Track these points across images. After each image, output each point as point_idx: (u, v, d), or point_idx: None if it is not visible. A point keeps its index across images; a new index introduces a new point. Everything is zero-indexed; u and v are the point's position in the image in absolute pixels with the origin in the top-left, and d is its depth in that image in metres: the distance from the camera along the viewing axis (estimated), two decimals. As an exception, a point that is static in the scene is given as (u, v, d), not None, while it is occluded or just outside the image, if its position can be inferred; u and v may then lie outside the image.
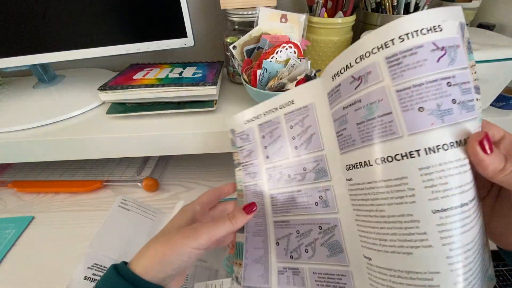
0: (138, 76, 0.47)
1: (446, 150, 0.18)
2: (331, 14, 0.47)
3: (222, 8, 0.47)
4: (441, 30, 0.19)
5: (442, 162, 0.18)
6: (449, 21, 0.19)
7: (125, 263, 0.26)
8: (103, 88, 0.43)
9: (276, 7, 0.46)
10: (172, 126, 0.42)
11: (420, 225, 0.19)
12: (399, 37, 0.19)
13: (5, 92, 0.54)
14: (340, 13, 0.47)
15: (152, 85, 0.43)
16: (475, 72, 0.20)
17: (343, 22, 0.46)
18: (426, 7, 0.49)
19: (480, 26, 0.49)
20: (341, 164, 0.25)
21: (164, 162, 0.65)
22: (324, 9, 0.46)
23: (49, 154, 0.43)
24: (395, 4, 0.49)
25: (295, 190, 0.29)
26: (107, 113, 0.44)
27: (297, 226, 0.29)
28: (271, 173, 0.31)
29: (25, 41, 0.45)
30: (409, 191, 0.19)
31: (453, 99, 0.19)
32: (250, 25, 0.45)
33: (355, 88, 0.21)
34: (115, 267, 0.26)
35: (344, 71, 0.22)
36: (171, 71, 0.49)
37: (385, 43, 0.20)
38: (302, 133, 0.29)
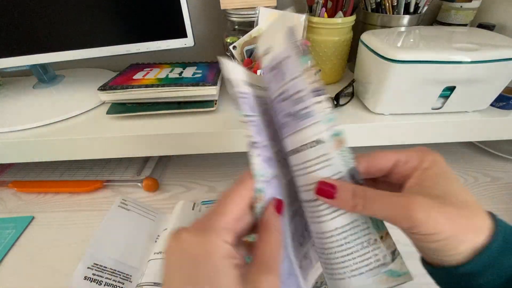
0: (138, 76, 0.47)
1: (291, 156, 0.22)
2: (331, 14, 0.47)
3: (222, 8, 0.47)
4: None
5: (292, 164, 0.22)
6: (275, 40, 0.21)
7: None
8: (103, 88, 0.43)
9: (276, 7, 0.46)
10: (172, 126, 0.42)
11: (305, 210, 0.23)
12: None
13: (5, 92, 0.54)
14: (340, 13, 0.47)
15: (152, 85, 0.43)
16: (314, 74, 0.20)
17: (343, 22, 0.46)
18: (426, 7, 0.49)
19: (480, 26, 0.49)
20: None
21: (164, 162, 0.65)
22: (324, 9, 0.46)
23: (49, 154, 0.43)
24: (395, 4, 0.49)
25: (291, 176, 0.25)
26: (107, 113, 0.44)
27: (299, 210, 0.25)
28: (279, 159, 0.25)
29: (25, 41, 0.45)
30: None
31: (287, 113, 0.21)
32: (250, 25, 0.45)
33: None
34: None
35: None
36: (171, 71, 0.49)
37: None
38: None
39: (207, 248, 0.17)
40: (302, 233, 0.26)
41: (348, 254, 0.21)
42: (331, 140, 0.20)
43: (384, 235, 0.21)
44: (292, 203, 0.25)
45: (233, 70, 0.22)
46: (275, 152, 0.24)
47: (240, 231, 0.20)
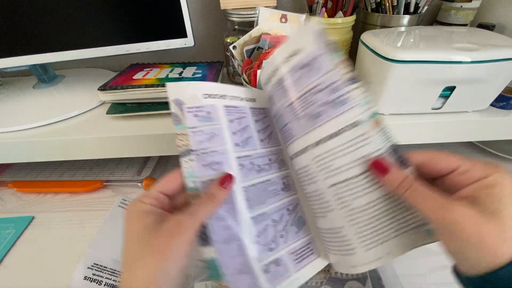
0: (138, 76, 0.47)
1: (326, 141, 0.24)
2: (331, 14, 0.47)
3: (222, 8, 0.47)
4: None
5: (326, 150, 0.25)
6: (304, 42, 0.25)
7: None
8: (103, 88, 0.43)
9: (276, 7, 0.46)
10: (172, 126, 0.42)
11: (324, 196, 0.26)
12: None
13: (5, 92, 0.54)
14: (340, 13, 0.47)
15: (152, 85, 0.43)
16: (346, 67, 0.24)
17: (343, 22, 0.46)
18: (426, 7, 0.49)
19: (480, 26, 0.49)
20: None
21: (164, 162, 0.65)
22: (324, 9, 0.46)
23: (49, 154, 0.43)
24: (395, 4, 0.49)
25: (265, 179, 0.29)
26: (107, 113, 0.44)
27: (272, 215, 0.28)
28: (242, 163, 0.28)
29: (25, 41, 0.45)
30: (312, 174, 0.26)
31: (322, 102, 0.24)
32: (250, 25, 0.45)
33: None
34: None
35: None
36: (171, 71, 0.49)
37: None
38: (265, 129, 0.31)
39: (132, 209, 0.24)
40: (275, 239, 0.28)
41: (392, 217, 0.24)
42: (369, 120, 0.23)
43: None
44: (258, 206, 0.28)
45: (186, 89, 0.27)
46: (236, 157, 0.28)
47: (166, 196, 0.26)
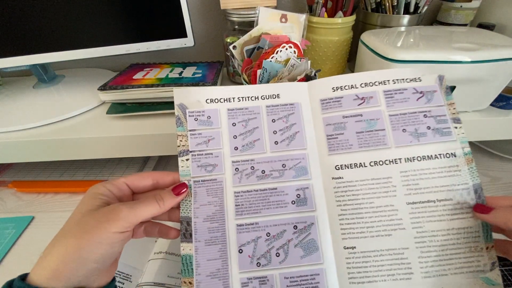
0: (138, 76, 0.47)
1: (419, 161, 0.26)
2: (331, 14, 0.47)
3: (222, 8, 0.47)
4: (420, 81, 0.29)
5: (416, 169, 0.26)
6: (427, 75, 0.29)
7: (25, 275, 0.23)
8: (103, 88, 0.43)
9: (276, 7, 0.46)
10: (172, 126, 0.42)
11: (398, 213, 0.26)
12: (393, 80, 0.29)
13: (5, 92, 0.54)
14: (340, 13, 0.47)
15: (152, 85, 0.43)
16: (454, 108, 0.28)
17: (343, 22, 0.46)
18: (426, 7, 0.49)
19: (480, 26, 0.48)
20: (327, 163, 0.28)
21: (164, 162, 0.65)
22: (324, 9, 0.46)
23: (49, 154, 0.43)
24: (395, 4, 0.49)
25: (269, 187, 0.27)
26: (107, 113, 0.44)
27: (267, 228, 0.26)
28: (239, 167, 0.27)
29: (25, 41, 0.45)
30: (392, 187, 0.26)
31: (428, 126, 0.27)
32: (250, 25, 0.45)
33: (358, 105, 0.28)
34: (8, 285, 0.22)
35: (349, 88, 0.29)
36: (171, 71, 0.49)
37: (383, 81, 0.29)
38: (285, 129, 0.29)
39: (91, 189, 0.25)
40: (266, 255, 0.26)
41: (456, 253, 0.24)
42: (463, 156, 0.26)
43: (490, 247, 0.24)
44: (248, 215, 0.27)
45: (190, 94, 0.29)
46: (232, 161, 0.28)
47: (129, 189, 0.27)
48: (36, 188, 0.57)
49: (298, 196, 0.27)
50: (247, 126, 0.29)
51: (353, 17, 0.48)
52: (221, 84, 0.52)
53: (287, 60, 0.40)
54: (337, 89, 0.29)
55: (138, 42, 0.48)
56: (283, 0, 0.60)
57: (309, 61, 0.39)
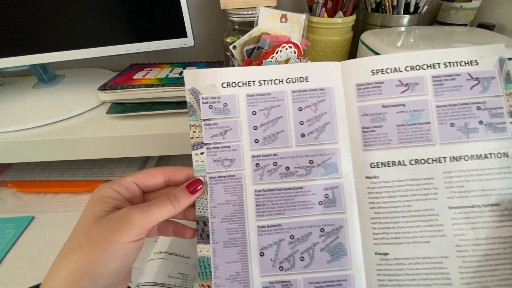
0: (138, 76, 0.47)
1: (466, 160, 0.23)
2: (331, 14, 0.47)
3: (222, 8, 0.47)
4: (477, 64, 0.24)
5: (462, 169, 0.23)
6: (486, 57, 0.24)
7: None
8: (103, 88, 0.43)
9: (276, 7, 0.46)
10: (172, 126, 0.42)
11: (438, 218, 0.23)
12: (444, 63, 0.24)
13: (5, 92, 0.54)
14: (340, 13, 0.47)
15: (152, 85, 0.43)
16: None
17: (343, 22, 0.46)
18: (426, 7, 0.49)
19: (480, 26, 0.49)
20: (360, 160, 0.24)
21: (164, 162, 0.65)
22: (324, 9, 0.46)
23: (49, 154, 0.43)
24: (395, 4, 0.49)
25: (294, 186, 0.24)
26: (107, 113, 0.44)
27: (291, 231, 0.24)
28: (259, 163, 0.25)
29: (25, 41, 0.45)
30: (433, 190, 0.23)
31: (480, 121, 0.23)
32: (250, 25, 0.45)
33: (401, 92, 0.24)
34: None
35: (391, 72, 0.25)
36: (171, 71, 0.49)
37: (433, 64, 0.24)
38: (313, 119, 0.25)
39: (97, 191, 0.23)
40: (289, 259, 0.24)
41: (501, 264, 0.22)
42: None
43: None
44: (270, 216, 0.24)
45: (204, 77, 0.25)
46: (252, 155, 0.25)
47: (139, 188, 0.24)
48: (36, 188, 0.57)
49: (326, 196, 0.24)
50: (269, 115, 0.25)
51: (353, 17, 0.48)
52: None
53: (287, 60, 0.40)
54: (377, 72, 0.25)
55: (138, 42, 0.48)
56: (283, 0, 0.60)
57: (309, 61, 0.39)
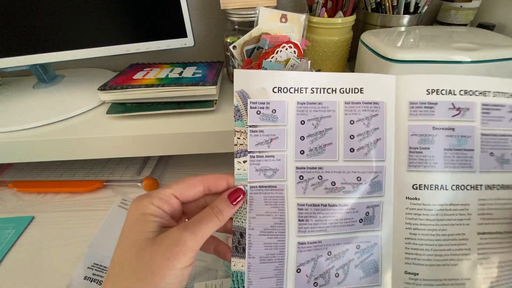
0: (138, 76, 0.47)
1: (498, 189, 0.24)
2: (331, 14, 0.47)
3: (222, 8, 0.47)
4: None
5: (493, 198, 0.24)
6: None
7: None
8: (103, 88, 0.43)
9: (276, 7, 0.46)
10: (172, 126, 0.42)
11: (468, 242, 0.24)
12: (493, 92, 0.24)
13: (5, 92, 0.54)
14: (340, 13, 0.47)
15: (152, 85, 0.43)
16: None
17: (343, 22, 0.46)
18: (426, 7, 0.49)
19: (480, 26, 0.49)
20: (403, 180, 0.24)
21: (164, 162, 0.65)
22: (324, 9, 0.46)
23: (49, 154, 0.43)
24: (395, 4, 0.49)
25: (340, 203, 0.23)
26: (107, 113, 0.44)
27: (329, 247, 0.23)
28: (304, 175, 0.24)
29: (25, 41, 0.45)
30: (467, 215, 0.24)
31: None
32: (250, 25, 0.45)
33: (452, 116, 0.24)
34: None
35: (446, 94, 0.24)
36: (171, 71, 0.49)
37: (484, 91, 0.24)
38: (365, 134, 0.24)
39: (137, 207, 0.21)
40: (324, 275, 0.23)
41: None
42: None
43: None
44: (312, 232, 0.23)
45: (255, 79, 0.23)
46: (297, 167, 0.23)
47: (179, 201, 0.23)
48: (36, 188, 0.57)
49: (367, 214, 0.24)
50: (318, 126, 0.24)
51: (353, 17, 0.48)
52: (221, 84, 0.52)
53: (287, 60, 0.40)
54: (432, 92, 0.24)
55: (138, 42, 0.48)
56: (283, 0, 0.60)
57: (309, 61, 0.39)
